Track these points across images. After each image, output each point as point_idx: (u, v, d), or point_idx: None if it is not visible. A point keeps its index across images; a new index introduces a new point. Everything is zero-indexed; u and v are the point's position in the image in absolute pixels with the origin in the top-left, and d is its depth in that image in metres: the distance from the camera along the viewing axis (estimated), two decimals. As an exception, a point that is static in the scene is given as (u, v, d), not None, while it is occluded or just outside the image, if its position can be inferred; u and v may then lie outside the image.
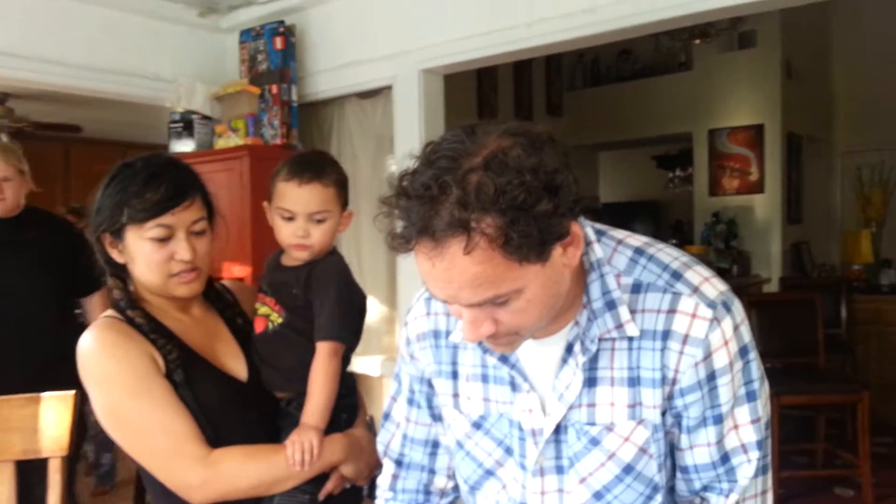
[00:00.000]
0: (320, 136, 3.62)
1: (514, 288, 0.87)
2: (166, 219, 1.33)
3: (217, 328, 1.50)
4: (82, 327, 2.31)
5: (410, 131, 3.11)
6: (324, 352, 1.42)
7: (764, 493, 1.04)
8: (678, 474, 1.05)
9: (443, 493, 1.27)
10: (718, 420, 0.99)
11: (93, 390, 1.32)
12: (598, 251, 1.00)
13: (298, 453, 1.32)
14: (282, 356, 1.45)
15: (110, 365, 1.30)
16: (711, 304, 0.96)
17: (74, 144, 6.30)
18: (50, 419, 1.63)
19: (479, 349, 1.07)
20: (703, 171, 6.09)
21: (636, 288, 0.99)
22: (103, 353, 1.31)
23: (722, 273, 5.27)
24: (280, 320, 1.47)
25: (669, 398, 0.99)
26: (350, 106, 3.49)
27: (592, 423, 1.01)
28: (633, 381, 0.99)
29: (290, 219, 1.44)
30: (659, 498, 1.04)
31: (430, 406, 1.19)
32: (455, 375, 1.12)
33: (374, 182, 3.44)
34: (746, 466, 1.01)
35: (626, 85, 6.56)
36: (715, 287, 0.98)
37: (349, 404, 1.52)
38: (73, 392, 1.67)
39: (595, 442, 1.01)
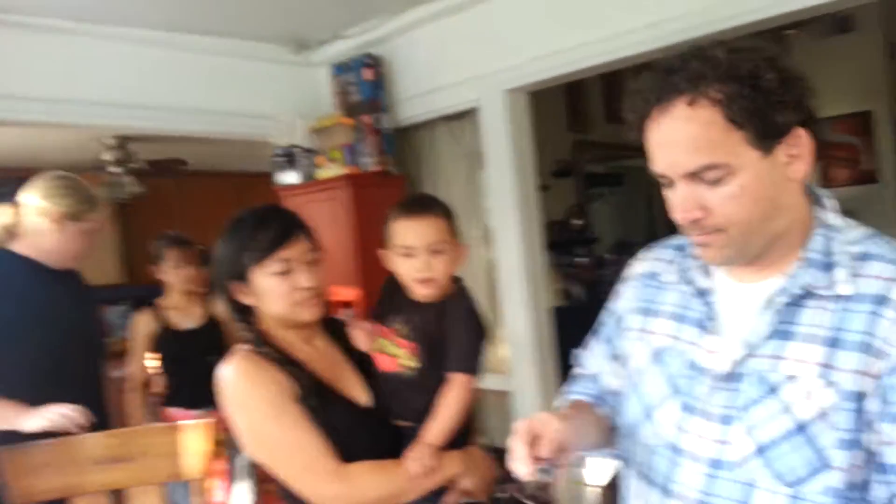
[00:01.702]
0: (414, 160, 3.75)
1: (728, 161, 0.93)
2: (283, 253, 1.48)
3: (338, 358, 1.62)
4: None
5: (499, 150, 3.20)
6: (457, 384, 1.52)
7: None
8: (874, 475, 0.94)
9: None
10: None
11: (236, 414, 1.45)
12: (833, 219, 1.01)
13: (418, 466, 1.43)
14: (415, 399, 1.54)
15: (251, 391, 1.43)
16: None
17: (186, 178, 6.70)
18: (190, 445, 1.81)
19: (685, 289, 1.10)
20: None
21: (863, 256, 0.97)
22: (244, 380, 1.44)
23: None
24: (414, 364, 1.54)
25: (878, 377, 0.91)
26: (440, 128, 3.61)
27: (774, 372, 0.97)
28: (832, 342, 0.94)
29: (410, 255, 1.53)
30: (828, 480, 0.92)
31: (610, 342, 1.24)
32: (649, 312, 1.16)
33: (467, 199, 3.54)
34: None
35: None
36: None
37: (466, 425, 1.59)
38: (209, 420, 1.85)
39: (772, 391, 0.97)
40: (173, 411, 3.00)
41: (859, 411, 0.92)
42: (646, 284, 1.19)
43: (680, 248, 1.16)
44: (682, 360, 1.08)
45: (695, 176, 0.96)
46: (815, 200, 1.04)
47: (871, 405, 0.92)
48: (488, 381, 3.42)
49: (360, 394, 1.57)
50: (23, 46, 2.97)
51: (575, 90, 5.31)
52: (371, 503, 1.44)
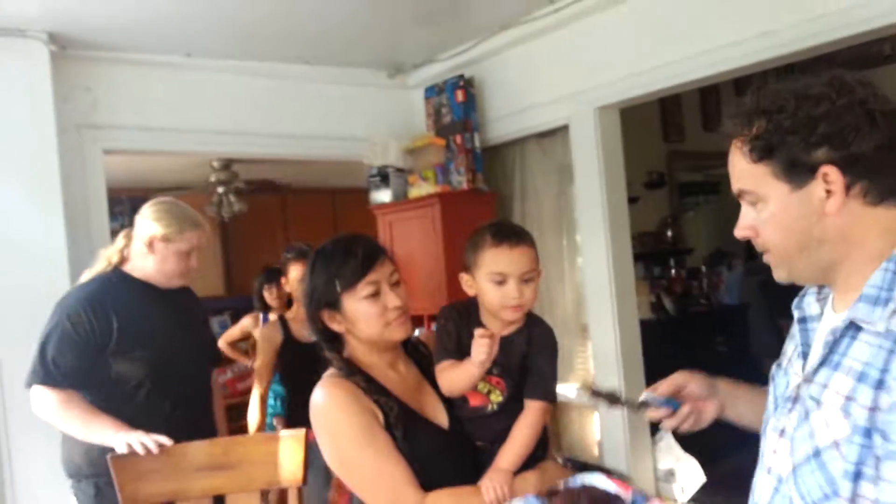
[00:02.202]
0: (504, 177, 3.81)
1: (756, 190, 1.03)
2: (371, 276, 1.55)
3: (419, 381, 1.68)
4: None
5: (589, 165, 3.21)
6: (535, 410, 1.57)
7: None
8: None
9: None
10: None
11: (325, 440, 1.52)
12: None
13: (492, 493, 1.48)
14: (494, 424, 1.60)
15: (341, 418, 1.50)
16: None
17: (289, 195, 7.00)
18: (287, 454, 1.93)
19: (804, 321, 1.15)
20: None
21: None
22: (334, 408, 1.51)
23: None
24: (501, 398, 1.60)
25: (886, 411, 0.92)
26: (530, 146, 3.66)
27: (813, 399, 1.01)
28: (860, 377, 0.96)
29: (502, 282, 1.56)
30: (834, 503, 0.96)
31: None
32: (786, 338, 1.22)
33: (556, 213, 3.57)
34: None
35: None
36: None
37: (541, 440, 1.64)
38: (304, 430, 1.95)
39: (806, 416, 1.02)
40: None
41: (866, 447, 0.94)
42: (798, 301, 1.21)
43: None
44: (783, 381, 1.15)
45: (740, 197, 1.07)
46: None
47: (877, 444, 0.93)
48: (573, 395, 3.44)
49: (441, 416, 1.62)
50: (139, 81, 3.23)
51: (669, 100, 5.23)
52: None
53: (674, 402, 1.24)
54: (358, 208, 3.85)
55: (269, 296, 4.08)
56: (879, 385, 0.93)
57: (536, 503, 1.20)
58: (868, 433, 0.94)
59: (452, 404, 1.63)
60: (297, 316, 3.06)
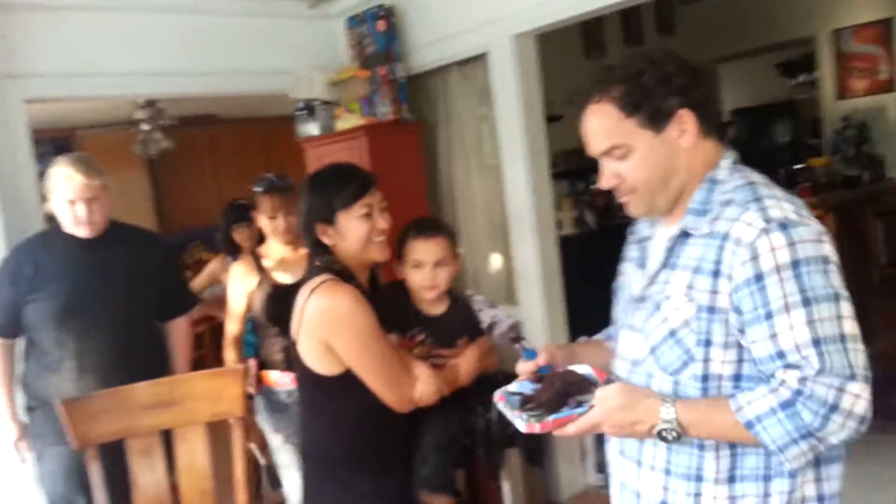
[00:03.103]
0: (428, 106, 3.88)
1: (625, 142, 1.27)
2: (367, 199, 1.84)
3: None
4: (164, 351, 2.78)
5: (507, 91, 3.31)
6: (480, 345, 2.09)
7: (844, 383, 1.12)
8: (754, 366, 1.21)
9: None
10: (770, 316, 1.15)
11: (343, 335, 1.78)
12: (721, 174, 1.30)
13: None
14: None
15: (359, 314, 1.77)
16: (768, 220, 1.18)
17: (216, 128, 6.91)
18: (227, 388, 2.07)
19: (639, 242, 1.45)
20: (829, 75, 5.83)
21: (727, 202, 1.25)
22: (352, 306, 1.77)
23: (851, 181, 5.14)
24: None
25: (731, 293, 1.19)
26: (452, 73, 3.72)
27: (661, 294, 1.30)
28: (696, 269, 1.25)
29: (419, 267, 2.01)
30: (693, 368, 1.24)
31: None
32: (624, 261, 1.51)
33: (479, 136, 3.68)
34: (804, 363, 1.12)
35: (739, -7, 6.31)
36: (783, 211, 1.19)
37: None
38: (242, 367, 2.10)
39: (657, 307, 1.30)
40: (278, 375, 2.80)
41: (712, 321, 1.22)
42: (630, 237, 1.53)
43: None
44: (627, 292, 1.44)
45: (607, 154, 1.31)
46: (717, 162, 1.32)
47: (733, 319, 1.21)
48: (511, 345, 3.60)
49: None
50: (57, 26, 3.17)
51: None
52: (433, 393, 1.88)
53: (532, 353, 1.47)
54: (291, 138, 3.87)
55: (240, 235, 3.50)
56: (716, 274, 1.22)
57: (529, 386, 1.39)
58: (711, 310, 1.22)
59: None
60: (272, 254, 2.84)
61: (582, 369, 1.40)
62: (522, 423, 1.27)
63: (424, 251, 2.01)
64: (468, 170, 3.78)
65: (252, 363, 2.88)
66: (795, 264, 1.15)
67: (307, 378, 1.87)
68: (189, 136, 6.40)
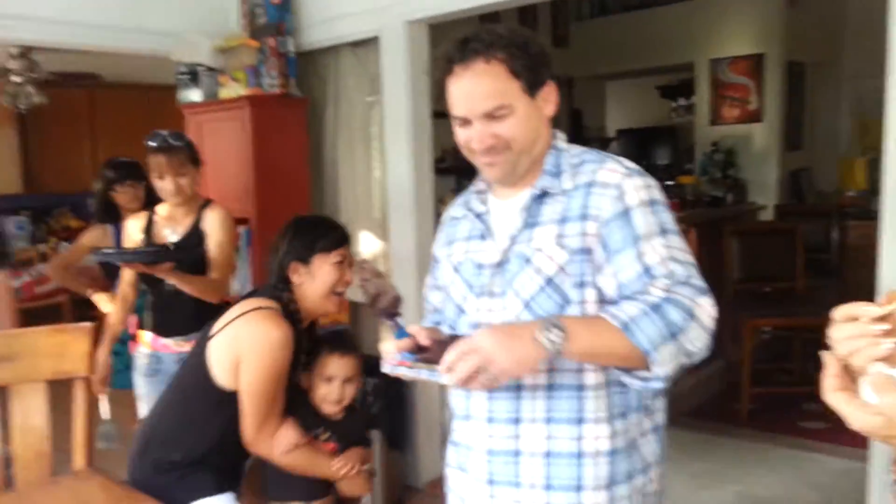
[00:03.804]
0: (319, 85, 3.85)
1: (511, 102, 1.33)
2: (343, 251, 2.02)
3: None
4: None
5: (396, 79, 3.33)
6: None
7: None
8: (619, 297, 1.30)
9: None
10: (637, 241, 1.29)
11: (254, 363, 1.87)
12: (562, 144, 1.45)
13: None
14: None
15: (279, 356, 1.88)
16: (628, 166, 1.38)
17: (97, 89, 6.57)
18: (73, 346, 1.98)
19: (471, 217, 1.50)
20: (705, 101, 6.20)
21: (579, 163, 1.40)
22: (278, 344, 1.87)
23: (716, 202, 5.46)
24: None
25: (599, 231, 1.32)
26: (344, 54, 3.71)
27: (529, 249, 1.37)
28: (562, 220, 1.36)
29: (330, 381, 2.05)
30: (571, 312, 1.33)
31: (434, 277, 1.61)
32: (451, 243, 1.54)
33: (368, 123, 3.68)
34: (668, 274, 1.26)
35: (632, 15, 6.61)
36: (633, 165, 1.39)
37: None
38: (90, 324, 2.01)
39: (528, 261, 1.36)
40: (150, 337, 2.75)
41: (584, 262, 1.33)
42: (450, 225, 1.58)
43: (467, 193, 1.56)
44: (471, 265, 1.46)
45: (489, 114, 1.34)
46: (554, 134, 1.46)
47: (599, 256, 1.32)
48: (386, 321, 3.63)
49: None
50: None
51: (487, 19, 5.40)
52: (281, 454, 1.95)
53: (404, 332, 1.45)
54: (175, 108, 3.74)
55: (125, 197, 3.14)
56: (583, 217, 1.34)
57: (410, 356, 1.36)
58: (582, 251, 1.33)
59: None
60: (163, 213, 2.72)
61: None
62: (444, 375, 1.23)
63: (338, 367, 2.06)
64: (353, 153, 3.78)
65: (132, 321, 2.83)
66: (653, 202, 1.34)
67: (198, 378, 1.93)
68: (66, 95, 6.04)
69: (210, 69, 3.64)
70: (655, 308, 1.22)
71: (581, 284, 1.33)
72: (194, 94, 3.66)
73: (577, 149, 1.46)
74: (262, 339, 1.86)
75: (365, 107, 3.70)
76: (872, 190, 5.75)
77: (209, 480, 1.91)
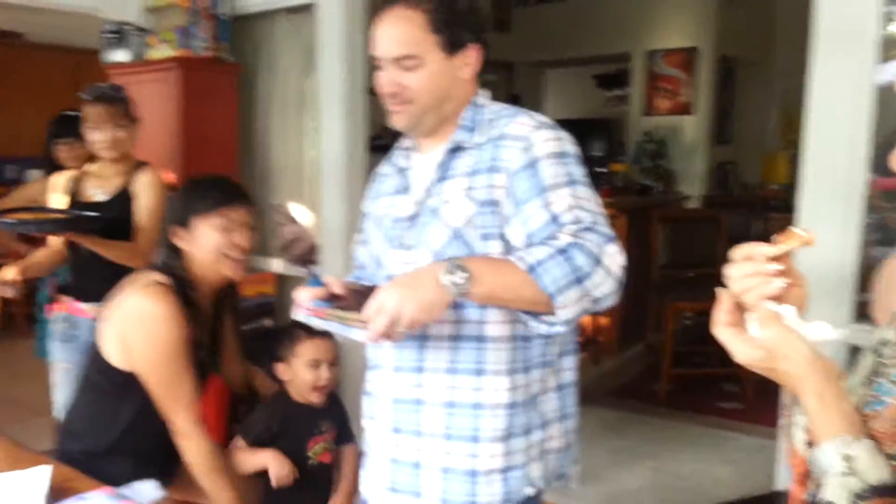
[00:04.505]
0: (253, 50, 3.75)
1: (421, 54, 1.33)
2: (229, 212, 1.84)
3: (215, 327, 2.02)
4: None
5: (332, 49, 3.28)
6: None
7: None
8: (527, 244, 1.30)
9: None
10: (544, 191, 1.29)
11: (140, 342, 1.78)
12: (482, 100, 1.44)
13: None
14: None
15: (163, 330, 1.77)
16: (540, 120, 1.38)
17: (19, 49, 6.29)
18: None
19: (395, 173, 1.51)
20: (639, 92, 6.31)
21: (495, 119, 1.40)
22: (160, 318, 1.76)
23: (645, 190, 5.58)
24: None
25: (508, 182, 1.32)
26: (279, 21, 3.62)
27: (439, 202, 1.38)
28: (472, 173, 1.36)
29: (316, 366, 2.00)
30: None
31: (362, 231, 1.60)
32: (377, 197, 1.55)
33: (303, 93, 3.61)
34: (576, 220, 1.26)
35: (573, 2, 6.67)
36: (547, 120, 1.38)
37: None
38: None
39: (437, 214, 1.37)
40: (68, 300, 2.64)
41: (492, 214, 1.33)
42: (378, 181, 1.59)
43: (395, 150, 1.56)
44: (390, 219, 1.48)
45: (397, 61, 1.35)
46: (476, 92, 1.46)
47: (506, 208, 1.32)
48: (300, 269, 3.58)
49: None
50: None
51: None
52: (201, 460, 1.84)
53: (318, 280, 1.43)
54: (99, 73, 3.59)
55: (67, 152, 3.03)
56: (492, 170, 1.35)
57: (324, 304, 1.35)
58: (490, 203, 1.33)
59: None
60: (93, 171, 2.62)
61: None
62: (361, 331, 1.22)
63: (321, 350, 1.99)
64: (286, 123, 3.70)
65: (53, 282, 2.75)
66: (562, 154, 1.33)
67: (97, 361, 1.86)
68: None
69: (138, 29, 3.53)
70: (562, 251, 1.22)
71: (487, 237, 1.34)
72: (121, 55, 3.54)
73: (496, 105, 1.45)
74: (144, 316, 1.77)
75: (300, 77, 3.63)
76: (793, 184, 5.97)
77: (125, 468, 1.82)
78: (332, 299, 1.37)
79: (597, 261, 1.23)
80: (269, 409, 2.05)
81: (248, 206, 1.90)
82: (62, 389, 2.60)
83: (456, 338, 1.37)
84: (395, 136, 1.55)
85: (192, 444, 1.82)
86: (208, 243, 1.83)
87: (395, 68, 1.35)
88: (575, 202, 1.28)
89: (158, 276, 1.82)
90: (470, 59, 1.40)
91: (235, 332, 2.14)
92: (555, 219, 1.27)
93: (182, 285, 1.83)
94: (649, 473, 3.38)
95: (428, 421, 1.39)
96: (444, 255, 1.33)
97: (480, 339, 1.36)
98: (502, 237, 1.33)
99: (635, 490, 3.23)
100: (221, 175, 2.03)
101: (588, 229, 1.25)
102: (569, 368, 1.49)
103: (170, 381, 1.80)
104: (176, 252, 1.86)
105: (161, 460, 1.90)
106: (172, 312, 1.77)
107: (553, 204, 1.28)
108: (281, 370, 2.02)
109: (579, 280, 1.21)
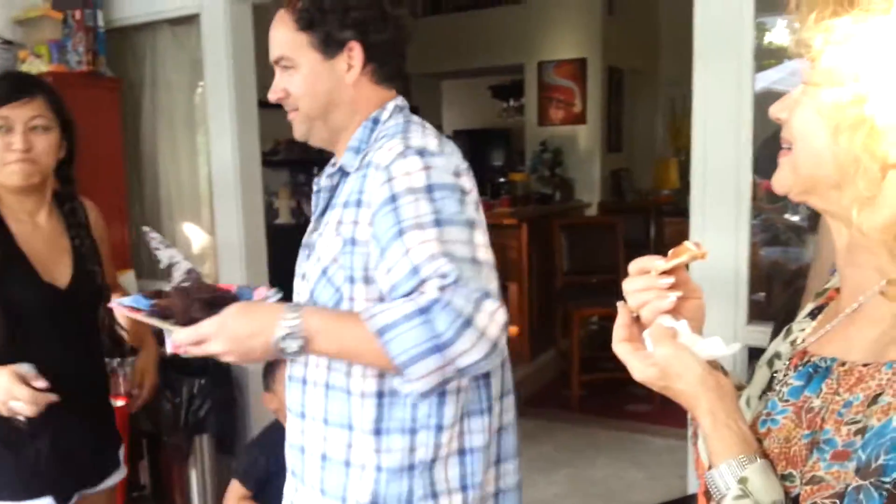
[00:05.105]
0: (134, 64, 3.57)
1: (292, 56, 1.24)
2: (4, 111, 1.59)
3: (57, 239, 1.72)
4: None
5: (219, 62, 3.14)
6: None
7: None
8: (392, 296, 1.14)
9: None
10: (401, 234, 1.10)
11: None
12: (385, 116, 1.28)
13: None
14: None
15: None
16: (407, 147, 1.17)
17: None
18: None
19: (315, 194, 1.38)
20: (533, 102, 6.43)
21: (377, 140, 1.24)
22: None
23: (545, 199, 5.67)
24: None
25: (371, 220, 1.16)
26: (162, 33, 3.46)
27: (317, 235, 1.28)
28: (345, 204, 1.23)
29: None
30: (344, 305, 1.20)
31: None
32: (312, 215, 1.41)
33: (189, 109, 3.46)
34: (440, 274, 1.07)
35: (464, 15, 6.73)
36: (424, 140, 1.19)
37: None
38: None
39: (313, 248, 1.28)
40: None
41: (355, 254, 1.19)
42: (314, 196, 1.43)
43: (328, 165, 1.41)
44: (304, 253, 1.35)
45: (277, 64, 1.27)
46: (384, 104, 1.30)
47: (374, 249, 1.16)
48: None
49: (62, 276, 1.70)
50: None
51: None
52: None
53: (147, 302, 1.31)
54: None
55: None
56: (358, 204, 1.20)
57: (144, 302, 1.25)
58: (353, 242, 1.19)
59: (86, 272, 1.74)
60: None
61: (232, 286, 1.35)
62: (168, 340, 1.15)
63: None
64: (175, 140, 3.53)
65: None
66: (429, 188, 1.13)
67: None
68: None
69: (7, 42, 3.28)
70: (422, 311, 1.04)
71: (352, 279, 1.19)
72: (-14, 70, 3.28)
73: (393, 121, 1.27)
74: None
75: (187, 91, 3.47)
76: (684, 188, 6.21)
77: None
78: (156, 296, 1.28)
79: (466, 322, 1.04)
80: (260, 445, 1.89)
81: (33, 101, 1.64)
82: None
83: (328, 385, 1.24)
84: (291, 150, 1.48)
85: None
86: None
87: (280, 72, 1.28)
88: (440, 248, 1.08)
89: None
90: (352, 60, 1.24)
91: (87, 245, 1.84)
92: (415, 271, 1.08)
93: None
94: (565, 480, 3.40)
95: (307, 472, 1.29)
96: (318, 293, 1.22)
97: (347, 391, 1.22)
98: (367, 280, 1.18)
99: (551, 498, 3.24)
100: (12, 71, 1.80)
101: (456, 283, 1.06)
102: (478, 431, 1.26)
103: None
104: None
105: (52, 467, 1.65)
106: None
107: (412, 251, 1.09)
108: (267, 400, 1.90)
109: (439, 348, 1.03)
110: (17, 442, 1.61)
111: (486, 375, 1.26)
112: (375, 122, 1.27)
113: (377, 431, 1.20)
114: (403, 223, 1.11)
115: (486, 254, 1.14)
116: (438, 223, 1.11)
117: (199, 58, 3.33)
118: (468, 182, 1.20)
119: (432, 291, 1.06)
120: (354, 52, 1.24)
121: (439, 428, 1.21)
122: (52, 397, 1.51)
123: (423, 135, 1.21)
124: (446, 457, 1.23)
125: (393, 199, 1.13)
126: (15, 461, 1.62)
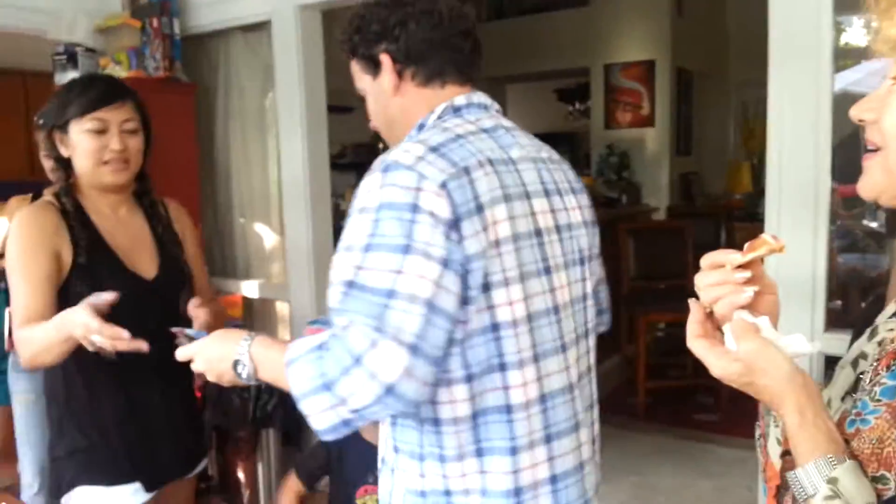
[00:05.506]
0: (209, 70, 3.67)
1: (358, 84, 1.31)
2: (101, 113, 1.68)
3: (139, 232, 1.81)
4: None
5: (289, 68, 3.21)
6: None
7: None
8: None
9: None
10: (336, 254, 1.07)
11: (9, 246, 1.65)
12: (431, 120, 1.23)
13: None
14: None
15: (19, 234, 1.64)
16: (383, 160, 1.10)
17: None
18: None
19: None
20: (599, 105, 6.35)
21: None
22: (21, 224, 1.65)
23: (611, 202, 5.59)
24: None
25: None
26: (235, 39, 3.55)
27: None
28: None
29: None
30: None
31: None
32: None
33: (262, 112, 3.54)
34: (342, 308, 1.03)
35: (526, 19, 6.70)
36: (403, 153, 1.09)
37: None
38: None
39: None
40: None
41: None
42: None
43: None
44: None
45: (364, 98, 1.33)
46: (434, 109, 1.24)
47: None
48: (266, 291, 3.53)
49: (148, 268, 1.78)
50: None
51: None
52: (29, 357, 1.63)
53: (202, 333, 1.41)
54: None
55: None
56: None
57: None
58: None
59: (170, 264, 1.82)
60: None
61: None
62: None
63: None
64: (247, 144, 3.62)
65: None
66: (379, 207, 1.05)
67: None
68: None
69: (89, 50, 3.41)
70: (320, 347, 1.01)
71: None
72: (72, 77, 3.42)
73: (427, 133, 1.18)
74: (10, 229, 1.68)
75: (259, 96, 3.55)
76: (756, 192, 6.04)
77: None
78: None
79: (356, 361, 0.97)
80: (323, 441, 1.91)
81: (125, 105, 1.73)
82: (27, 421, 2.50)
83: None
84: (358, 153, 1.51)
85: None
86: (83, 150, 1.69)
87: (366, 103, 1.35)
88: (353, 276, 1.02)
89: (47, 195, 1.76)
90: (387, 70, 1.25)
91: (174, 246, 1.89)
92: (349, 287, 1.04)
93: (64, 192, 1.72)
94: (631, 489, 3.34)
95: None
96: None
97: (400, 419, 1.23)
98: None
99: (617, 507, 3.20)
100: (102, 74, 1.91)
101: (356, 321, 1.00)
102: (497, 472, 1.14)
103: (17, 287, 1.63)
104: (62, 162, 1.73)
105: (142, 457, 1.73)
106: (32, 219, 1.66)
107: (334, 275, 1.06)
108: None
109: (327, 386, 0.98)
110: (108, 427, 1.70)
111: (508, 411, 1.12)
112: (420, 127, 1.23)
113: (396, 449, 1.21)
114: (341, 244, 1.08)
115: (411, 284, 1.00)
116: (367, 248, 1.03)
117: (270, 63, 3.40)
118: (432, 197, 1.04)
119: (339, 324, 1.02)
120: (385, 63, 1.25)
121: (442, 458, 1.13)
122: (131, 339, 1.51)
123: (413, 145, 1.12)
124: (465, 492, 1.14)
125: (350, 216, 1.09)
126: (106, 446, 1.70)
